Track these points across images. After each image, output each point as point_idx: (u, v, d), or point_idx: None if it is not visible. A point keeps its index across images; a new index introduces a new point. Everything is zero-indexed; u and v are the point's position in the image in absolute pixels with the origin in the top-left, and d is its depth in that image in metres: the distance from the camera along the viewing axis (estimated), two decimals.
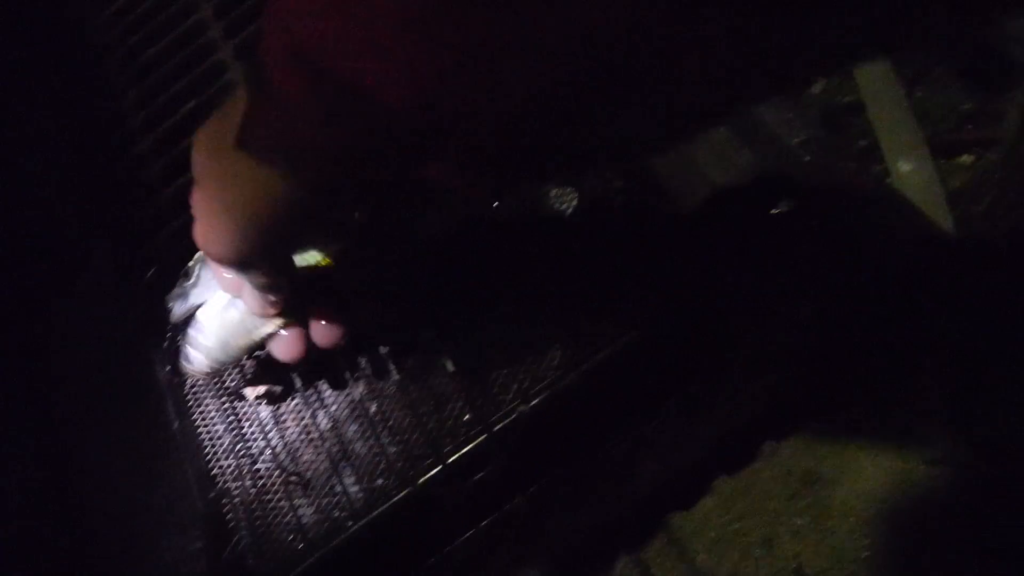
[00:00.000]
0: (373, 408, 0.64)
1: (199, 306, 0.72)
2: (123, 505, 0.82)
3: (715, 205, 0.61)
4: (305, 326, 0.54)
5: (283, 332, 0.54)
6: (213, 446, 0.69)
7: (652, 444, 0.69)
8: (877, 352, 0.74)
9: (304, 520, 0.63)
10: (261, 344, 0.57)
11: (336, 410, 0.66)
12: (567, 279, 0.63)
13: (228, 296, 0.57)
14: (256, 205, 0.41)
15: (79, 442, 0.87)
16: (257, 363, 0.68)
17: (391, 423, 0.63)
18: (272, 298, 0.51)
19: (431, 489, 0.60)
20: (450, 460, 0.59)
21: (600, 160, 0.42)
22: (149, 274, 0.76)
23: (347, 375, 0.65)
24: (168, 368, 0.72)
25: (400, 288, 0.64)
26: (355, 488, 0.62)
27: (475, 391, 0.61)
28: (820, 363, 0.75)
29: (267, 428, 0.66)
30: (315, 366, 0.66)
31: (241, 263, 0.46)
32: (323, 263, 0.52)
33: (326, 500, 0.63)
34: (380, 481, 0.62)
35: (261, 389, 0.66)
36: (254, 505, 0.65)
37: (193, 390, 0.71)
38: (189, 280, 0.72)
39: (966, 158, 0.89)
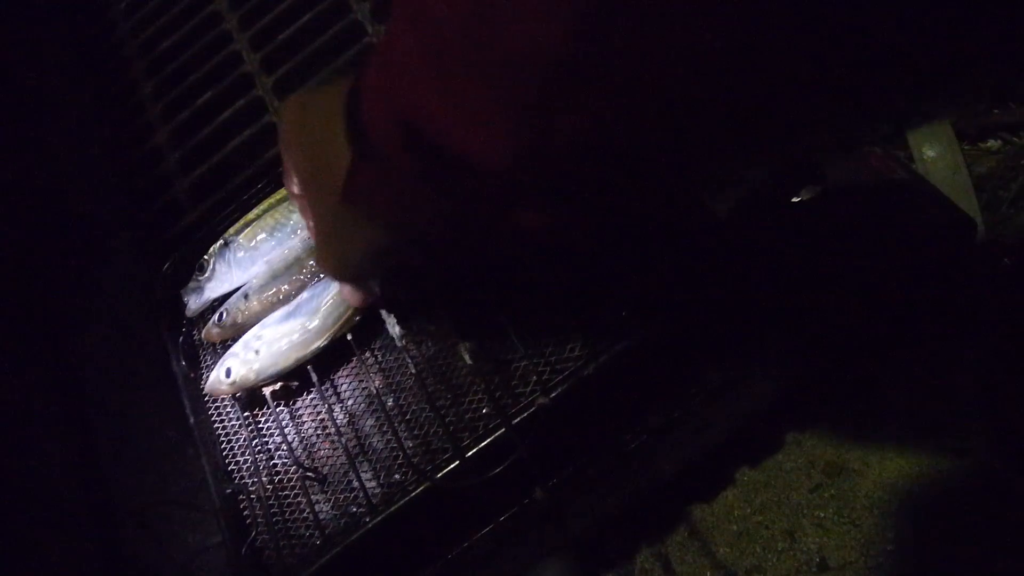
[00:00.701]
0: (390, 402, 0.63)
1: (215, 300, 0.72)
2: (144, 497, 0.82)
3: (743, 196, 0.60)
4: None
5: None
6: (229, 442, 0.68)
7: (673, 435, 0.68)
8: (909, 342, 0.73)
9: (322, 516, 0.62)
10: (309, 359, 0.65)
11: (353, 404, 0.65)
12: (586, 272, 0.61)
13: (286, 315, 0.65)
14: (359, 254, 0.49)
15: (103, 434, 0.87)
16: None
17: (408, 417, 0.63)
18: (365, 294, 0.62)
19: (450, 483, 0.59)
20: (468, 454, 0.58)
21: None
22: (166, 266, 0.75)
23: (363, 368, 0.64)
24: (183, 365, 0.72)
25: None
26: (372, 483, 0.62)
27: (494, 383, 0.60)
28: (847, 352, 0.73)
29: (284, 423, 0.66)
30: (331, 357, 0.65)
31: (347, 281, 0.60)
32: None
33: (343, 496, 0.63)
34: (397, 476, 0.61)
35: (277, 386, 0.65)
36: (271, 500, 0.64)
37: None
38: (204, 274, 0.71)
39: (993, 143, 0.87)
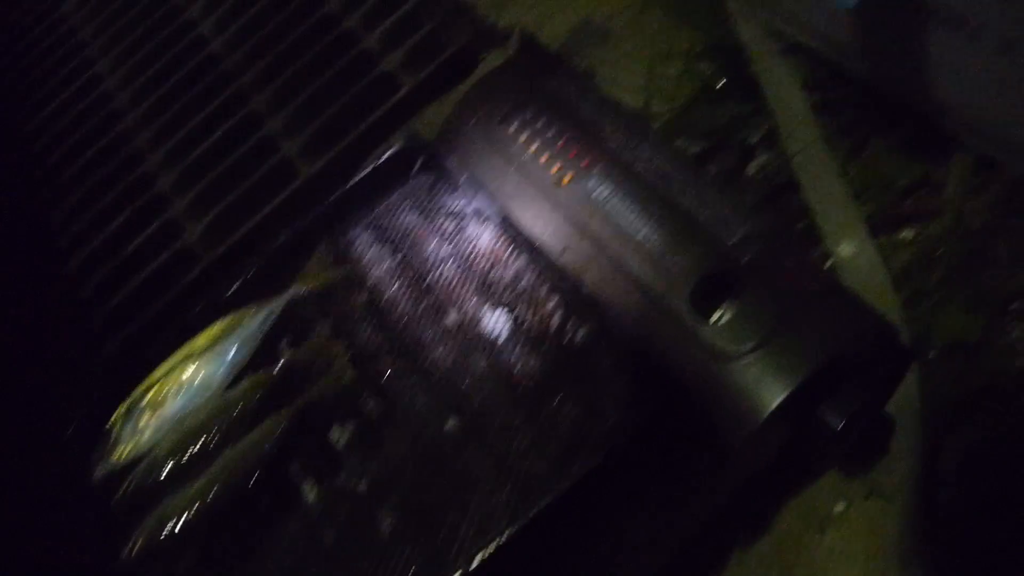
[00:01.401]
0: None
1: (121, 469, 0.68)
2: None
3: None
4: None
5: None
6: None
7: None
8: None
9: None
10: None
11: None
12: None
13: None
14: None
15: None
16: None
17: None
18: None
19: None
20: None
21: None
22: (70, 430, 0.72)
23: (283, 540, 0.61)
24: None
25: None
26: None
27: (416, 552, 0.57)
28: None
29: None
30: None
31: None
32: None
33: None
34: None
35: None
36: None
37: None
38: (109, 441, 0.68)
39: (907, 232, 0.88)
